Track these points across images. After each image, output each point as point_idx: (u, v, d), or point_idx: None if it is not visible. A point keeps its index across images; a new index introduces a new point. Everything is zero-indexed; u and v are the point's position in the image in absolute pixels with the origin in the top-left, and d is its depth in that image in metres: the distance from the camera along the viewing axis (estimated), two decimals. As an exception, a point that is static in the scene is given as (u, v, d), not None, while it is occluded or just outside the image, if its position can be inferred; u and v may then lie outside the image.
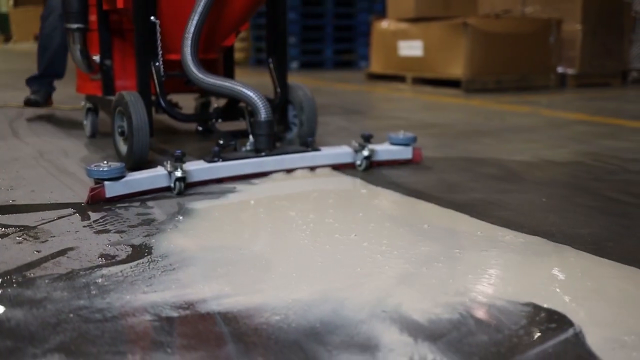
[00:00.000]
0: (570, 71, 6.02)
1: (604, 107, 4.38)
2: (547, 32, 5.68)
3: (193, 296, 1.16)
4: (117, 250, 1.40)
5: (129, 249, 1.41)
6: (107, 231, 1.54)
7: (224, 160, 2.05)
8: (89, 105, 2.88)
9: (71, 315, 1.07)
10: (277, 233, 1.55)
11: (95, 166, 1.79)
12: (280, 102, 2.48)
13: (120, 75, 2.63)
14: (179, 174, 1.87)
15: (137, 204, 1.80)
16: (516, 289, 1.19)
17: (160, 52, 2.27)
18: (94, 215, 1.67)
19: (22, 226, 1.56)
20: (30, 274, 1.26)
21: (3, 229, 1.53)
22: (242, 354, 0.95)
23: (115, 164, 1.79)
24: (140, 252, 1.39)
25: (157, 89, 2.26)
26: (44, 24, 3.31)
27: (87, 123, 2.91)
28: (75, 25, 2.52)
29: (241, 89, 2.15)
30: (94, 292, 1.17)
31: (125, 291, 1.18)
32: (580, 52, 5.94)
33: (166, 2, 2.25)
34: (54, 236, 1.49)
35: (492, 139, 2.98)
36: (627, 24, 6.33)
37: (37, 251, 1.39)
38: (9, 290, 1.18)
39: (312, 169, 2.21)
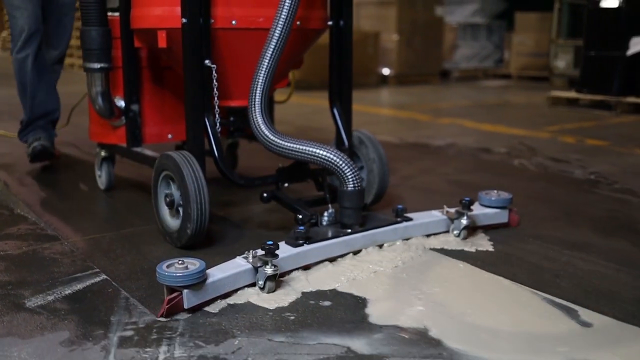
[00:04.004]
0: (391, 72, 7.86)
1: (369, 98, 6.05)
2: (366, 42, 7.50)
3: None
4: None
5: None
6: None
7: (310, 242, 1.72)
8: (104, 154, 2.47)
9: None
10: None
11: (167, 266, 1.39)
12: (348, 155, 2.13)
13: (151, 122, 2.30)
14: (269, 270, 1.52)
15: None
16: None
17: (217, 103, 1.91)
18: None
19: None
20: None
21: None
22: None
23: (193, 264, 1.42)
24: None
25: (214, 148, 1.91)
26: (13, 56, 2.75)
27: (101, 174, 2.52)
28: (97, 65, 2.13)
29: (324, 153, 1.82)
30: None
31: None
32: (397, 57, 7.78)
33: (226, 41, 1.88)
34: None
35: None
36: (440, 34, 8.20)
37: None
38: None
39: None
